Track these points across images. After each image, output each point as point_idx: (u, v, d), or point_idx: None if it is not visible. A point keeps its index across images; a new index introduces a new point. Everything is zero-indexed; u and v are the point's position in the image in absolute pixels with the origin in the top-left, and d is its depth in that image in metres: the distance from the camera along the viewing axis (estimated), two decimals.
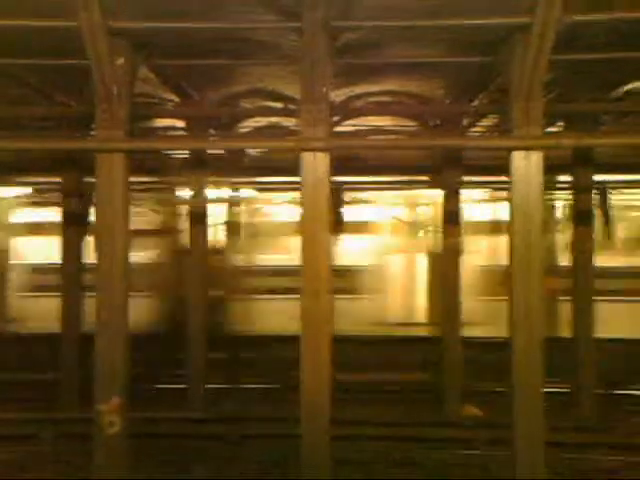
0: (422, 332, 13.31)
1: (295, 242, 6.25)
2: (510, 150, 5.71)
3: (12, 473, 7.48)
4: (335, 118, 9.13)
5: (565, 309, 10.03)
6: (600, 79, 7.87)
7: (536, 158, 5.65)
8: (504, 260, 6.02)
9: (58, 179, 10.28)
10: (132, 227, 6.07)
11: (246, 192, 14.66)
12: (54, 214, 11.63)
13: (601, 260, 10.36)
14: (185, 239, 10.98)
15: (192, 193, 9.69)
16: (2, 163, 10.88)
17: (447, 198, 9.66)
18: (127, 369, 5.85)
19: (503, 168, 5.82)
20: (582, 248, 9.17)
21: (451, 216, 9.59)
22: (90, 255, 7.05)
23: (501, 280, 6.90)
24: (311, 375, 5.82)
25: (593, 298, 9.12)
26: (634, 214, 18.37)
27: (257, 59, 7.08)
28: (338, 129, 9.46)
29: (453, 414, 9.32)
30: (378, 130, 10.23)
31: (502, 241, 8.05)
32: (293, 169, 6.04)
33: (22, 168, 11.63)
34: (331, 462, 5.83)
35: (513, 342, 5.73)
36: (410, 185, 14.31)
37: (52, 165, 10.03)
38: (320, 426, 5.81)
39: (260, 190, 15.08)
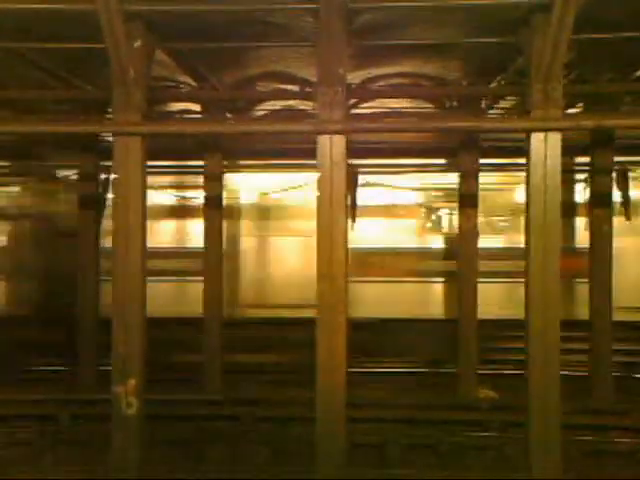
0: None
1: None
2: (529, 131, 5.66)
3: None
4: (352, 101, 9.08)
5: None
6: (622, 59, 7.75)
7: (554, 140, 5.59)
8: None
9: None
10: None
11: None
12: None
13: None
14: None
15: None
16: None
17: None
18: (144, 350, 5.92)
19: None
20: (600, 231, 9.11)
21: None
22: None
23: None
24: (327, 359, 5.82)
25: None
26: None
27: (273, 41, 7.02)
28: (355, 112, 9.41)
29: None
30: (395, 112, 10.15)
31: None
32: None
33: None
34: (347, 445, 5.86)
35: (529, 323, 5.69)
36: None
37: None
38: (335, 409, 5.82)
39: None
